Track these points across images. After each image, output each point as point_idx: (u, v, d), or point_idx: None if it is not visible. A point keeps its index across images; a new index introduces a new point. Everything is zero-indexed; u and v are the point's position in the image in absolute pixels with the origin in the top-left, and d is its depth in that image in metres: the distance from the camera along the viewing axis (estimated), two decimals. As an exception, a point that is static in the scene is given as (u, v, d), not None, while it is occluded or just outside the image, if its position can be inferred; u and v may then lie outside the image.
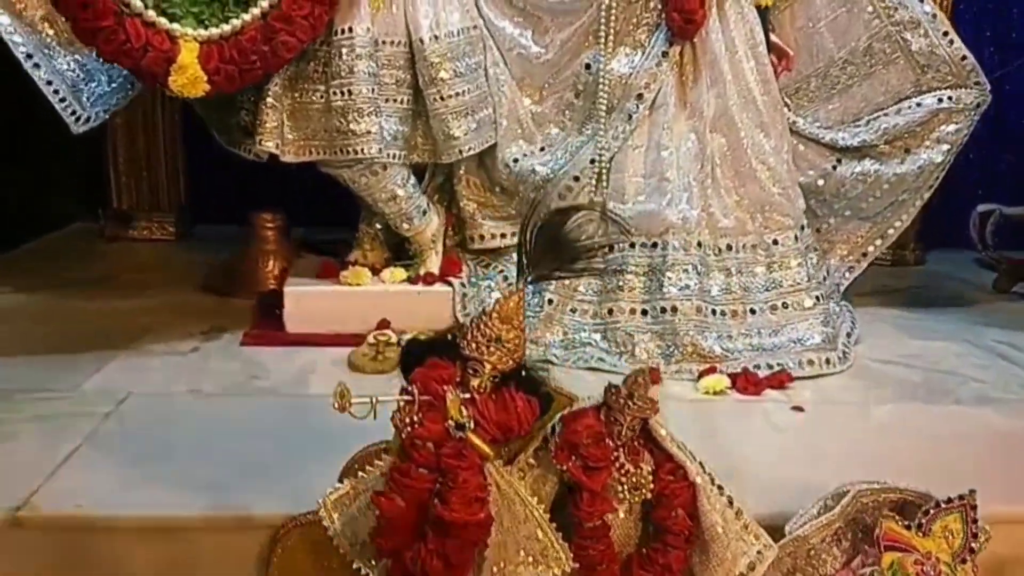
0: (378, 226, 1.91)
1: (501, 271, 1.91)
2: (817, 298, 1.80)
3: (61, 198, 2.78)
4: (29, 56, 1.71)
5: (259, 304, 1.94)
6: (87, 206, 2.73)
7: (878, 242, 2.13)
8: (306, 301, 1.76)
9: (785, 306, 1.76)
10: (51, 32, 1.68)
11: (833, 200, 2.06)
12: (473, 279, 1.88)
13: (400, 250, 1.93)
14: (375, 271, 1.86)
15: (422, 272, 1.84)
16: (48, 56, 1.68)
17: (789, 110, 2.02)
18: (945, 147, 2.03)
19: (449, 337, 0.93)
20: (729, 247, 1.77)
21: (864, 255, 2.15)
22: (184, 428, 1.32)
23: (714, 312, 1.72)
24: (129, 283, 2.13)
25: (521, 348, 0.91)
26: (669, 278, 1.72)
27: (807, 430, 1.45)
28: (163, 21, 1.42)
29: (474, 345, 0.89)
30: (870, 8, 1.98)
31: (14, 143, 2.59)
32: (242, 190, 2.37)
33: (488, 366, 0.89)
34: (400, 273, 1.84)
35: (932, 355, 1.89)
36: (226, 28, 1.49)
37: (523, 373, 0.92)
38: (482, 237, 1.93)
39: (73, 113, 1.73)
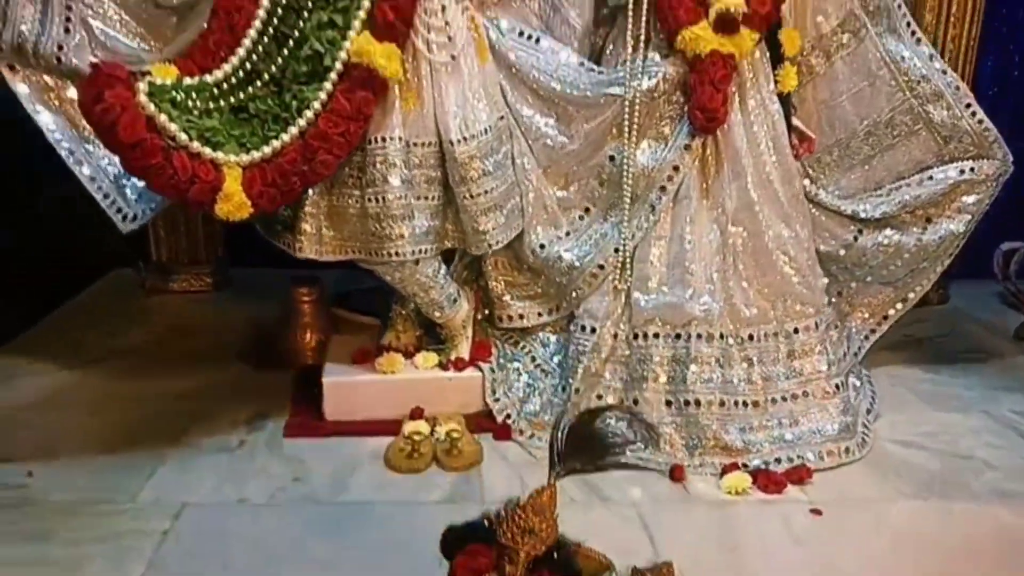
0: (411, 306, 1.98)
1: (528, 352, 1.98)
2: (837, 386, 1.85)
3: (101, 249, 2.89)
4: (71, 153, 1.80)
5: (298, 380, 2.04)
6: (126, 256, 2.83)
7: (899, 306, 2.18)
8: (344, 392, 1.85)
9: (805, 395, 1.82)
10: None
11: (855, 267, 2.10)
12: (502, 360, 1.96)
13: (432, 327, 2.01)
14: (408, 353, 1.95)
15: (453, 357, 1.92)
16: (89, 152, 1.77)
17: (811, 180, 2.06)
18: (967, 217, 2.06)
19: (486, 523, 1.00)
20: (751, 336, 1.83)
21: (885, 318, 2.19)
22: (237, 546, 1.42)
23: (736, 404, 1.78)
24: (174, 353, 2.23)
25: (554, 534, 0.98)
26: (692, 371, 1.78)
27: (823, 537, 1.52)
28: (207, 151, 1.49)
29: (509, 535, 0.97)
30: (892, 82, 2.00)
31: (52, 195, 2.69)
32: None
33: (522, 554, 0.97)
34: (432, 358, 1.92)
35: (950, 433, 1.95)
36: (267, 150, 1.56)
37: (555, 555, 0.99)
38: (510, 317, 2.00)
39: (119, 211, 1.82)
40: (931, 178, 2.04)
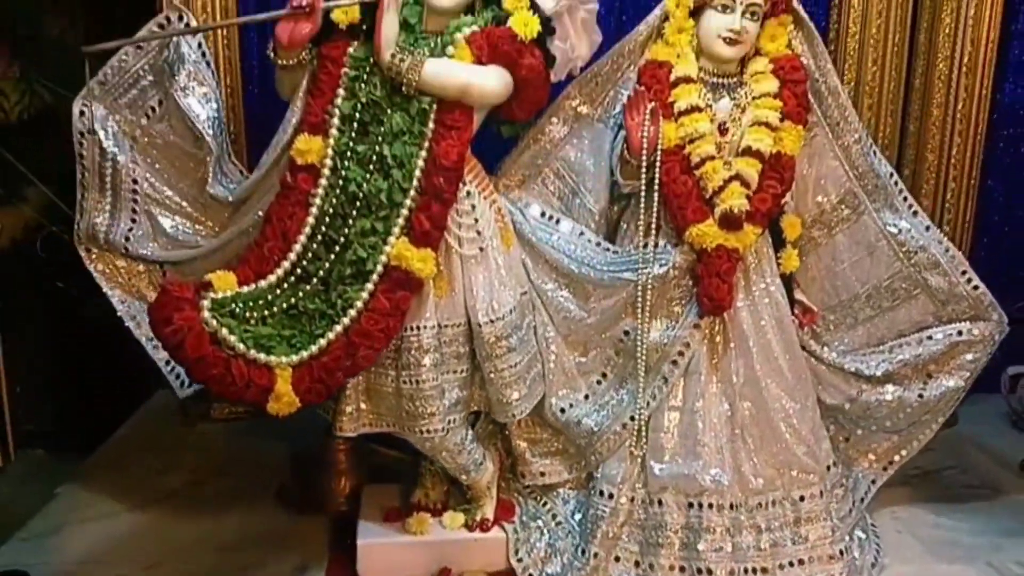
0: (439, 463, 2.13)
1: (550, 509, 2.12)
2: (841, 551, 1.97)
3: (144, 378, 3.09)
4: (137, 324, 2.00)
5: (334, 529, 2.19)
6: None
7: (903, 452, 2.30)
8: (377, 552, 1.99)
9: (811, 560, 1.94)
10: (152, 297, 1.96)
11: (860, 419, 2.23)
12: (524, 518, 2.09)
13: (457, 486, 2.14)
14: (436, 511, 2.09)
15: (478, 518, 2.06)
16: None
17: (816, 339, 2.20)
18: (965, 374, 2.19)
19: None
20: (760, 504, 1.96)
21: (891, 463, 2.32)
22: None
23: (746, 571, 1.91)
24: (215, 494, 2.39)
25: None
26: (705, 539, 1.91)
27: None
28: (261, 356, 1.66)
29: None
30: (891, 252, 2.15)
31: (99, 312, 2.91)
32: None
33: None
34: (459, 518, 2.06)
35: (951, 587, 2.05)
36: (314, 349, 1.73)
37: None
38: (532, 474, 2.14)
39: (177, 377, 2.02)
40: (930, 338, 2.18)
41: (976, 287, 2.15)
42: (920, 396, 2.18)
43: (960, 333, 2.16)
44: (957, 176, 2.87)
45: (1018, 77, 3.02)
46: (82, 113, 1.92)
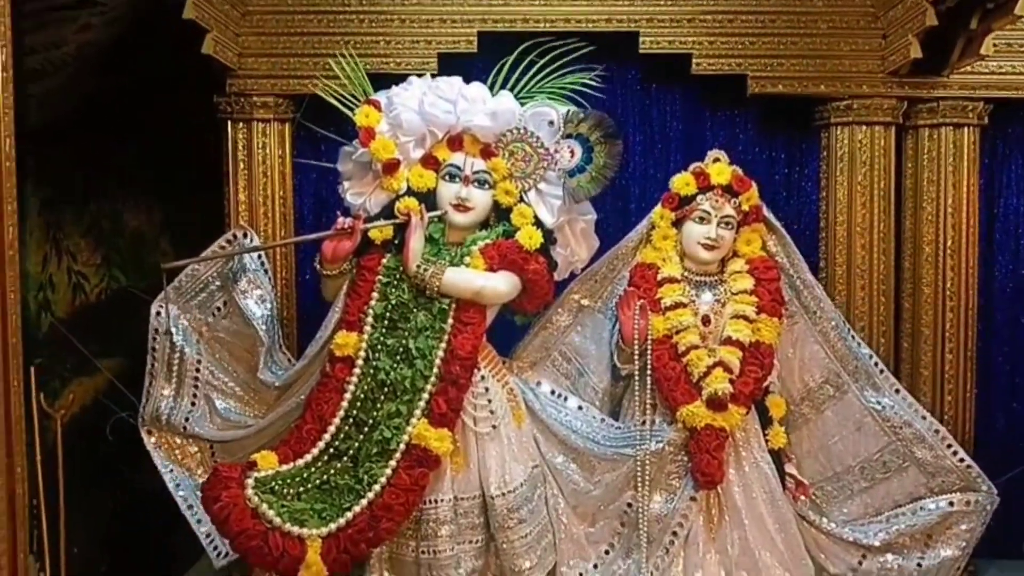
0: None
1: None
2: None
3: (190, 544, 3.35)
4: (185, 499, 2.28)
5: None
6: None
7: (912, 618, 2.38)
8: None
9: None
10: (201, 475, 2.26)
11: (865, 588, 2.34)
12: None
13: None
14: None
15: None
16: (198, 495, 2.23)
17: (816, 509, 2.36)
18: (961, 543, 2.32)
19: None
20: (759, 673, 2.07)
21: (902, 629, 2.39)
22: None
23: None
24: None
25: None
26: None
27: None
28: (295, 529, 1.93)
29: None
30: (877, 427, 2.36)
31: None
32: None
33: None
34: None
35: None
36: (342, 521, 1.99)
37: None
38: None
39: (215, 549, 2.27)
40: (923, 508, 2.34)
41: (962, 460, 2.33)
42: (919, 565, 2.32)
43: (952, 504, 2.32)
44: (953, 348, 3.07)
45: (1004, 257, 3.29)
46: (158, 313, 2.31)
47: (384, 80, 2.50)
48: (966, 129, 3.08)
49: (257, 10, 3.02)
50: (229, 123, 3.12)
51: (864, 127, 3.05)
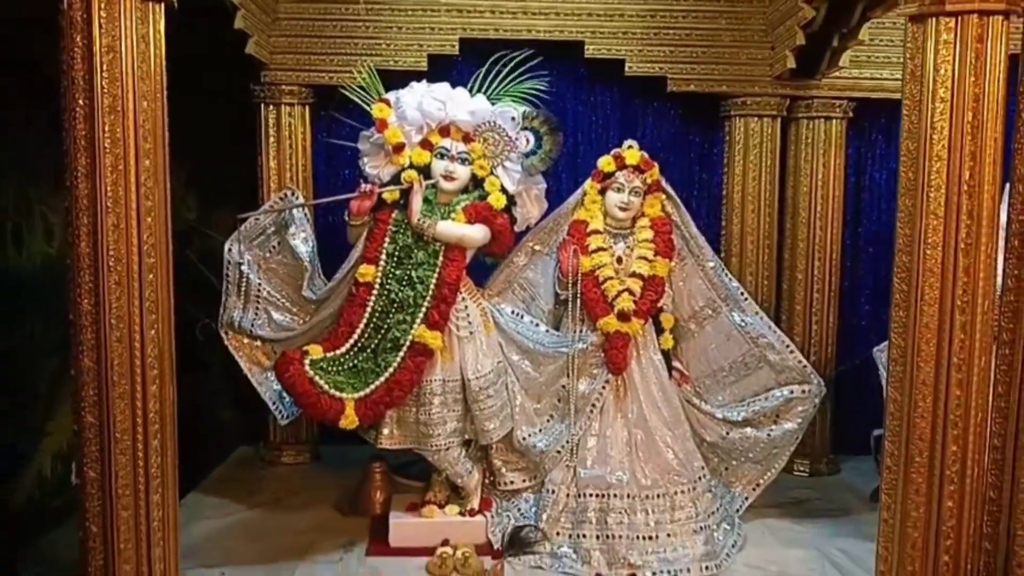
0: (443, 475, 3.33)
1: (516, 504, 3.30)
2: (701, 527, 3.13)
3: (228, 433, 4.36)
4: (259, 383, 3.27)
5: (373, 523, 3.38)
6: (247, 437, 4.29)
7: (766, 476, 3.45)
8: (402, 529, 3.19)
9: (680, 533, 3.10)
10: (267, 361, 3.25)
11: (731, 453, 3.41)
12: (499, 510, 3.28)
13: (456, 487, 3.34)
14: (440, 504, 3.28)
15: (468, 508, 3.25)
16: (268, 379, 3.22)
17: (699, 396, 3.42)
18: (799, 420, 3.38)
19: None
20: (647, 496, 3.14)
21: (758, 485, 3.47)
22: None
23: (638, 537, 3.07)
24: (292, 506, 3.60)
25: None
26: (612, 517, 3.09)
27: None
28: (337, 392, 2.94)
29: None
30: (741, 338, 3.39)
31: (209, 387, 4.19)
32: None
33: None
34: (455, 508, 3.26)
35: (786, 561, 3.16)
36: (367, 390, 3.00)
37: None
38: (505, 483, 3.34)
39: (279, 411, 3.28)
40: (773, 395, 3.39)
41: (800, 361, 3.38)
42: (769, 435, 3.37)
43: (792, 392, 3.37)
44: (820, 289, 4.13)
45: (868, 223, 4.35)
46: (230, 250, 3.26)
47: (385, 74, 3.40)
48: (834, 121, 4.11)
49: (285, 18, 3.99)
50: (262, 106, 4.11)
51: (756, 119, 4.08)
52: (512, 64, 3.23)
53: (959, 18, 2.29)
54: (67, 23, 2.23)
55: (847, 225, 4.27)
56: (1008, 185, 2.41)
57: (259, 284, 3.26)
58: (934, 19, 2.32)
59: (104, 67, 2.22)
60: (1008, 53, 2.32)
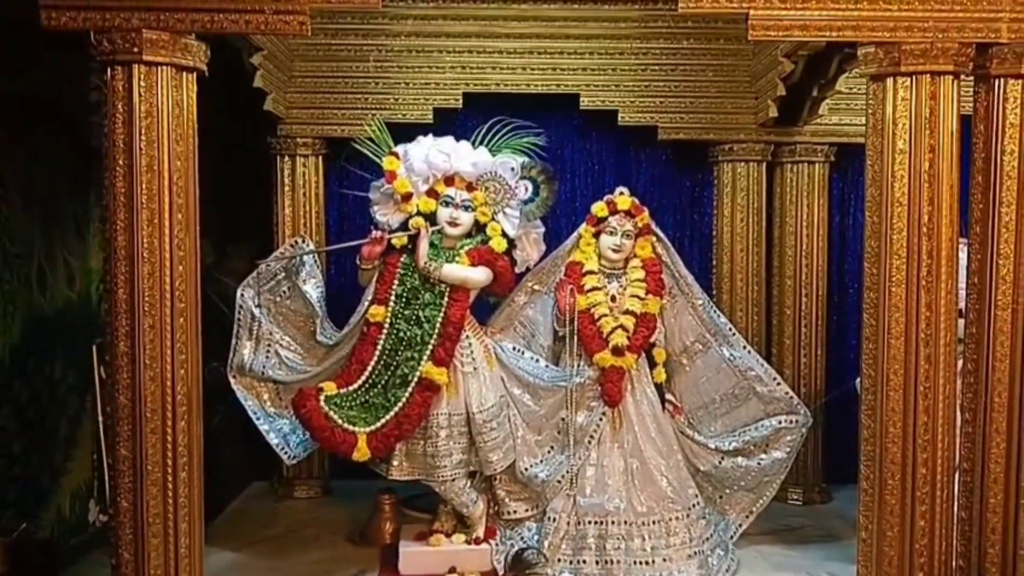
0: (450, 506, 3.52)
1: (519, 533, 3.49)
2: (695, 552, 3.32)
3: (242, 469, 4.55)
4: (260, 421, 3.47)
5: (383, 552, 3.56)
6: (264, 472, 4.49)
7: (759, 503, 3.64)
8: (412, 557, 3.37)
9: (675, 558, 3.28)
10: (270, 406, 3.46)
11: (724, 481, 3.60)
12: (502, 538, 3.47)
13: (462, 517, 3.52)
14: (448, 533, 3.47)
15: (473, 536, 3.44)
16: (271, 421, 3.44)
17: (691, 427, 3.62)
18: (788, 449, 3.57)
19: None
20: (643, 523, 3.33)
21: (751, 512, 3.66)
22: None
23: (636, 562, 3.26)
24: (306, 537, 3.79)
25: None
26: (611, 543, 3.28)
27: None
28: (350, 427, 3.16)
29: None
30: (730, 371, 3.60)
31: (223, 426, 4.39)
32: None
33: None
34: (462, 537, 3.45)
35: (777, 585, 3.35)
36: (378, 424, 3.21)
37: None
38: (508, 512, 3.53)
39: (284, 452, 3.48)
40: (762, 425, 3.59)
41: (787, 392, 3.59)
42: (759, 463, 3.56)
43: (780, 422, 3.57)
44: (808, 323, 4.35)
45: (852, 261, 4.58)
46: (242, 295, 3.49)
47: (393, 127, 3.62)
48: (817, 165, 4.37)
49: (301, 76, 4.28)
50: (278, 158, 4.38)
51: (743, 164, 4.35)
52: (510, 125, 3.48)
53: (914, 78, 2.55)
54: (110, 91, 2.50)
55: (832, 263, 4.51)
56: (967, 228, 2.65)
57: (270, 329, 3.47)
58: (892, 78, 2.58)
59: (143, 131, 2.48)
60: (960, 112, 2.57)
